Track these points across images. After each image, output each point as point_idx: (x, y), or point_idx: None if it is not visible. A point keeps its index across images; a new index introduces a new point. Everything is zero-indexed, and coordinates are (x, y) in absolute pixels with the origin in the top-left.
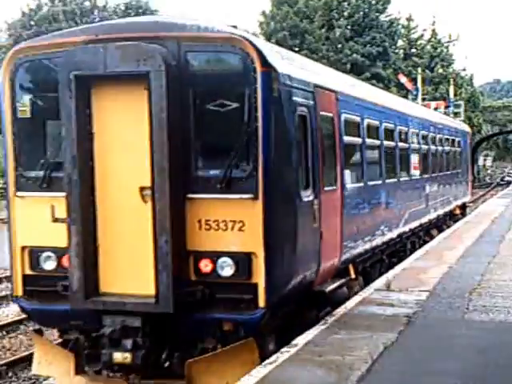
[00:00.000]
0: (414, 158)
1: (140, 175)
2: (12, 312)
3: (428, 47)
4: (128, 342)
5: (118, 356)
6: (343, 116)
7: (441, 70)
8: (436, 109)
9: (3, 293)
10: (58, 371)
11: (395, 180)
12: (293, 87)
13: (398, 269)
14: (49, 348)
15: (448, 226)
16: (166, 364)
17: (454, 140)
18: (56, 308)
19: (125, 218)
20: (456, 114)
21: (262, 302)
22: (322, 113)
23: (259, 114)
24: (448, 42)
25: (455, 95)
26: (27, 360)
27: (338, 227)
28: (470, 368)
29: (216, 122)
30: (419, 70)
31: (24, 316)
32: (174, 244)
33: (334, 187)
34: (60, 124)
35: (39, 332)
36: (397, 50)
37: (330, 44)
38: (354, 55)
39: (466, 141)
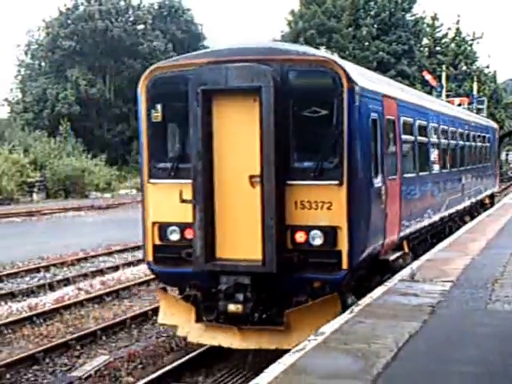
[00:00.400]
0: (454, 153)
1: (249, 166)
2: (49, 300)
3: (452, 45)
4: (240, 296)
5: (232, 307)
6: (401, 119)
7: (464, 68)
8: (460, 105)
9: (41, 282)
10: (180, 320)
11: (439, 171)
12: (368, 97)
13: (422, 259)
14: (173, 302)
15: (479, 214)
16: (266, 315)
17: (484, 136)
18: (179, 270)
19: (236, 199)
20: (479, 110)
21: (344, 265)
22: (387, 116)
23: (344, 119)
24: (472, 40)
25: (478, 92)
26: (64, 347)
27: (398, 209)
28: (492, 356)
29: (309, 125)
30: (443, 67)
31: (61, 304)
32: (276, 220)
33: (395, 176)
34: (186, 126)
35: (164, 290)
36: (422, 48)
37: (356, 42)
38: (380, 53)
39: (494, 137)
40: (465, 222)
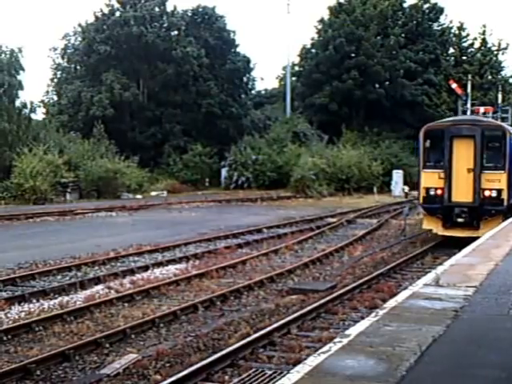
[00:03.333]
0: None
1: (467, 164)
2: (80, 298)
3: (478, 55)
4: (463, 215)
5: (459, 220)
6: None
7: (490, 77)
8: (485, 113)
9: (72, 280)
10: (434, 226)
11: None
12: (511, 137)
13: (446, 264)
14: (430, 218)
15: None
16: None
17: None
18: (434, 206)
19: (461, 177)
20: (503, 119)
21: (505, 204)
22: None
23: (507, 147)
24: (497, 50)
25: (503, 101)
26: (93, 344)
27: None
28: None
29: (491, 149)
30: (469, 76)
31: (91, 302)
32: (478, 185)
33: None
34: (440, 149)
35: (425, 214)
36: (448, 58)
37: (384, 51)
38: (408, 62)
39: None
40: None
